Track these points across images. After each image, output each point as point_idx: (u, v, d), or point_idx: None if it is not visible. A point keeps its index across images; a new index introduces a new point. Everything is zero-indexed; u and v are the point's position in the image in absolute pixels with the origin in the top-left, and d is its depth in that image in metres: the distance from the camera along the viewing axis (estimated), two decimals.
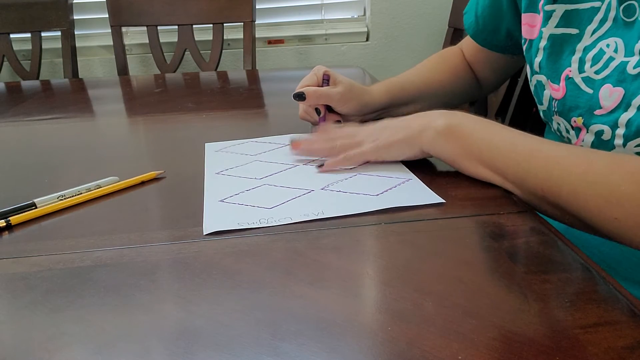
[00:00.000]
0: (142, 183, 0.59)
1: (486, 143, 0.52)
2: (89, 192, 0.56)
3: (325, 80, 0.70)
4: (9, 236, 0.49)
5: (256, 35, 1.56)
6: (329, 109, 0.71)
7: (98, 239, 0.47)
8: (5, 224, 0.50)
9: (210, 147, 0.70)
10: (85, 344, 0.33)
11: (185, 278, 0.40)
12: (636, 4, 0.50)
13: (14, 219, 0.50)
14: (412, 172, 0.57)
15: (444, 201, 0.50)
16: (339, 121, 0.72)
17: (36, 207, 0.53)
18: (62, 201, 0.54)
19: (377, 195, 0.52)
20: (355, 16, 1.82)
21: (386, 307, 0.36)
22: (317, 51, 1.79)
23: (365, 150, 0.59)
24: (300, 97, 0.67)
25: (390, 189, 0.54)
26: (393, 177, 0.56)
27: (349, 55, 1.80)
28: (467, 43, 0.81)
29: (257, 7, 1.54)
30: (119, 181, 0.58)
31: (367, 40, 1.80)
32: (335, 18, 1.81)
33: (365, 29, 1.79)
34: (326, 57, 1.80)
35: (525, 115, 0.96)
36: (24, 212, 0.52)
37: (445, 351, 0.31)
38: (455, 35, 1.48)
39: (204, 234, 0.46)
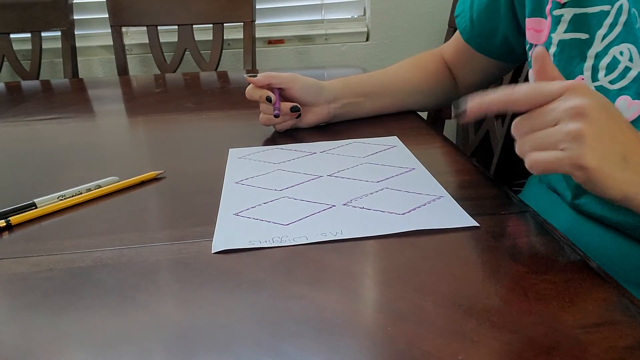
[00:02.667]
0: (142, 183, 0.59)
1: None
2: (89, 192, 0.56)
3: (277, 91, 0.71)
4: (9, 236, 0.49)
5: (256, 35, 1.56)
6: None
7: (98, 239, 0.47)
8: (5, 224, 0.50)
9: (233, 154, 0.67)
10: (86, 345, 0.33)
11: (186, 278, 0.40)
12: None
13: (14, 219, 0.50)
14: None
15: (478, 225, 0.46)
16: (296, 107, 0.71)
17: (36, 207, 0.53)
18: (62, 201, 0.54)
19: (404, 214, 0.48)
20: (355, 16, 1.82)
21: (386, 307, 0.36)
22: (317, 51, 1.79)
23: (563, 161, 0.39)
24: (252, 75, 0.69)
25: (419, 207, 0.49)
26: (423, 194, 0.52)
27: (349, 55, 1.80)
28: (452, 45, 0.79)
29: (257, 7, 1.54)
30: (119, 181, 0.58)
31: (367, 40, 1.80)
32: (335, 18, 1.81)
33: (365, 29, 1.79)
34: (326, 57, 1.80)
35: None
36: (24, 212, 0.52)
37: (445, 351, 0.31)
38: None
39: (213, 252, 0.44)
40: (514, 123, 0.42)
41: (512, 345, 0.32)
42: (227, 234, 0.47)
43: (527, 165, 0.41)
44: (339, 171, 0.59)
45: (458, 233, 0.45)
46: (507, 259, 0.41)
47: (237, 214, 0.50)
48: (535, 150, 0.40)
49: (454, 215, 0.48)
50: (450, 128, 1.78)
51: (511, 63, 0.76)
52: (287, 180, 0.57)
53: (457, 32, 0.77)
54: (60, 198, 0.54)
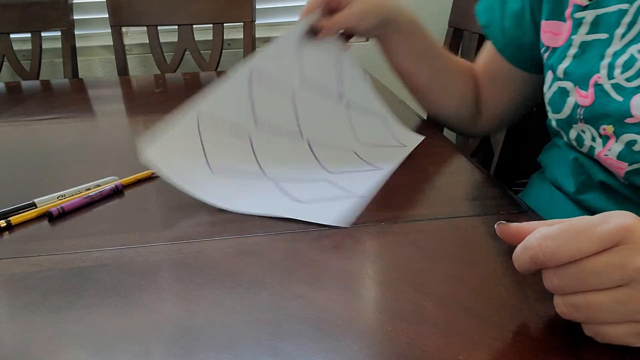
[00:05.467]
0: (142, 183, 0.59)
1: None
2: (88, 192, 0.56)
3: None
4: (9, 236, 0.49)
5: (256, 35, 1.56)
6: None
7: (98, 239, 0.47)
8: (5, 224, 0.50)
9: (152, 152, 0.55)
10: (85, 344, 0.33)
11: (185, 278, 0.40)
12: None
13: (14, 219, 0.50)
14: (394, 173, 0.56)
15: (347, 226, 0.47)
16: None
17: (36, 207, 0.53)
18: (61, 201, 0.54)
19: (304, 202, 0.51)
20: None
21: (386, 307, 0.36)
22: None
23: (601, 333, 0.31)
24: (314, 34, 0.65)
25: (324, 200, 0.51)
26: (350, 191, 0.53)
27: None
28: (484, 57, 0.74)
29: (257, 7, 1.54)
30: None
31: (367, 40, 1.80)
32: None
33: None
34: None
35: (526, 116, 0.95)
36: (24, 212, 0.52)
37: (445, 351, 0.31)
38: (455, 35, 1.48)
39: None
40: (550, 274, 0.32)
41: (513, 345, 0.32)
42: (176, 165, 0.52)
43: (588, 334, 0.32)
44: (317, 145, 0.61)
45: (458, 233, 0.45)
46: (507, 259, 0.41)
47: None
48: (597, 323, 0.31)
49: (330, 213, 0.48)
50: None
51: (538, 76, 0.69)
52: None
53: (489, 44, 0.73)
54: (60, 198, 0.54)
